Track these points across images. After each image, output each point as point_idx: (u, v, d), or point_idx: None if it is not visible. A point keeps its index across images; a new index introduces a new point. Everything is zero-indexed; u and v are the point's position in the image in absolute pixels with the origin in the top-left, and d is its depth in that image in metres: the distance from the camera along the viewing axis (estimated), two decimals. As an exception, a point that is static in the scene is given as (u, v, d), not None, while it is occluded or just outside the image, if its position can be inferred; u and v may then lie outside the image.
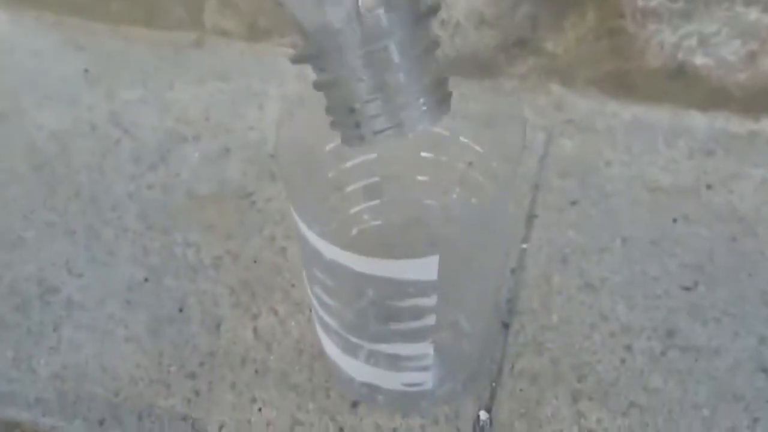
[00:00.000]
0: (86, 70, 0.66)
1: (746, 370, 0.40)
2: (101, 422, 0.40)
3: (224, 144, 0.57)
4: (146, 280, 0.47)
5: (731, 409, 0.39)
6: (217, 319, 0.45)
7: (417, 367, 0.35)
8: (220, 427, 0.39)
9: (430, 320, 0.31)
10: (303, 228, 0.29)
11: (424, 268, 0.27)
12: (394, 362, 0.35)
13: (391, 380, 0.37)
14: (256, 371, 0.42)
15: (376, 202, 0.37)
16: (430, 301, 0.29)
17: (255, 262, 0.48)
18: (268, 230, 0.50)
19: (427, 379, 0.36)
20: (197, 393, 0.41)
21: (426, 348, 0.33)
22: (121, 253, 0.49)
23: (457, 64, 0.58)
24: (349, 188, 0.36)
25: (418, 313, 0.30)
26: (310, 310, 0.41)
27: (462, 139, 0.32)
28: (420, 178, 0.36)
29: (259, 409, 0.40)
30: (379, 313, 0.32)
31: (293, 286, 0.46)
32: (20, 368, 0.43)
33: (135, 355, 0.43)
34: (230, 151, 0.56)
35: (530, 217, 0.49)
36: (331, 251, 0.28)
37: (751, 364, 0.41)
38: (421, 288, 0.29)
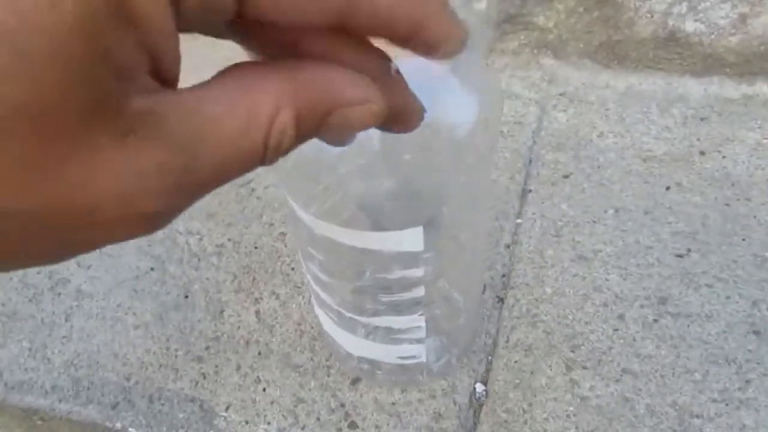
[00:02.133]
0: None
1: (738, 333, 0.41)
2: (114, 406, 0.42)
3: (223, 133, 0.58)
4: (152, 269, 0.49)
5: (723, 372, 0.39)
6: (221, 304, 0.46)
7: (411, 340, 0.36)
8: (227, 407, 0.41)
9: (420, 291, 0.32)
10: (294, 206, 0.30)
11: (410, 239, 0.28)
12: (388, 335, 0.36)
13: (387, 354, 0.38)
14: (260, 353, 0.43)
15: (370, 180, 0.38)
16: (418, 272, 0.30)
17: (255, 248, 0.49)
18: (267, 216, 0.51)
19: (421, 352, 0.37)
20: (204, 375, 0.43)
21: (418, 320, 0.34)
22: (127, 244, 0.51)
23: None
24: (343, 169, 0.37)
25: (408, 284, 0.31)
26: (310, 293, 0.43)
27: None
28: (406, 157, 0.37)
29: (264, 389, 0.42)
30: (372, 286, 0.33)
31: (293, 269, 0.47)
32: (36, 357, 0.45)
33: (144, 341, 0.45)
34: (229, 139, 0.57)
35: (524, 192, 0.50)
36: (321, 227, 0.29)
37: (743, 327, 0.41)
38: (408, 259, 0.30)
